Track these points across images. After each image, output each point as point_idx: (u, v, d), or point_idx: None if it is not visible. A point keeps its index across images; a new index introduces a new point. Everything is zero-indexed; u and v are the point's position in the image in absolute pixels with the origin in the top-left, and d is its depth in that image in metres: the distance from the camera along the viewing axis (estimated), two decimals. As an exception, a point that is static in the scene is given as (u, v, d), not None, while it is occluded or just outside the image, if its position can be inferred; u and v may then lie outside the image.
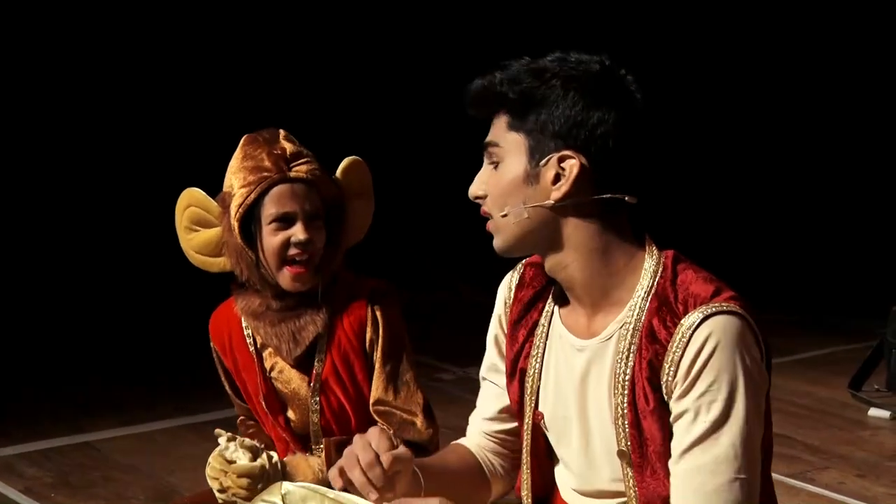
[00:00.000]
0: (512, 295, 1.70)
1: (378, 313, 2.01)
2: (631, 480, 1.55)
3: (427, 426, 2.02)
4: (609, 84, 1.51)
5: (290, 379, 2.05)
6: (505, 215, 1.53)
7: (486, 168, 1.57)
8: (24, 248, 5.62)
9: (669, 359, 1.48)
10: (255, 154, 1.98)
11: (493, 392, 1.76)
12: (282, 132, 2.02)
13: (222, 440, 1.92)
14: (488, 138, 1.56)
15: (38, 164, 5.82)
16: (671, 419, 1.50)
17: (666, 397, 1.50)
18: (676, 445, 1.49)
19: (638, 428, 1.52)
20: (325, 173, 1.99)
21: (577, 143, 1.49)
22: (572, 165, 1.49)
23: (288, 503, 1.76)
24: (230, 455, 1.90)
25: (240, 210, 1.96)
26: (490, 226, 1.57)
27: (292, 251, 1.96)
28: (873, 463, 3.50)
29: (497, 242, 1.57)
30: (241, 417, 2.23)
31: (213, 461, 1.92)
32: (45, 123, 5.83)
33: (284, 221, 1.96)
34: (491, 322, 1.75)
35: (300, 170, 1.96)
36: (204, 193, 2.03)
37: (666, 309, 1.50)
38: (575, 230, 1.53)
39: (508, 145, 1.53)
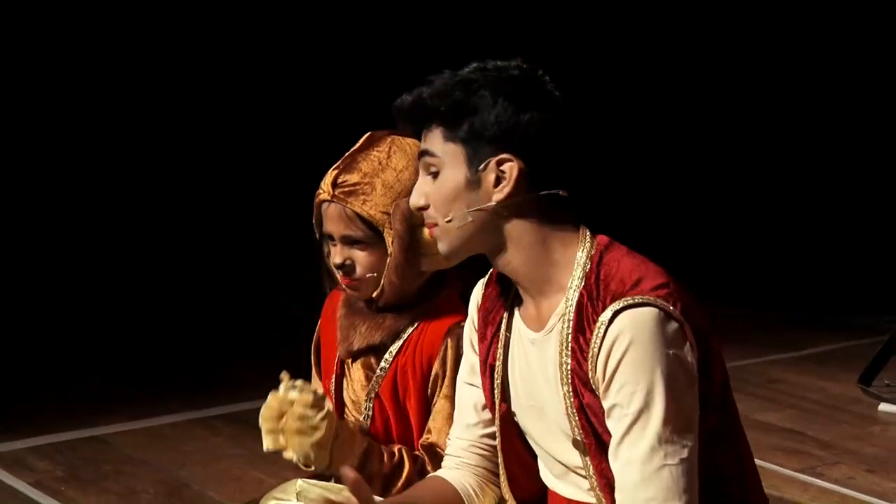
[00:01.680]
0: (481, 295, 1.77)
1: (449, 352, 1.97)
2: (589, 468, 1.61)
3: None
4: (532, 86, 1.59)
5: (355, 377, 2.07)
6: (449, 220, 1.60)
7: (424, 178, 1.64)
8: (33, 243, 5.63)
9: (591, 355, 1.54)
10: (334, 165, 2.01)
11: (475, 395, 1.79)
12: (386, 141, 2.01)
13: (285, 383, 1.85)
14: (424, 149, 1.62)
15: (48, 160, 5.83)
16: (606, 413, 1.55)
17: (595, 389, 1.56)
18: (611, 442, 1.54)
19: (585, 416, 1.58)
20: (384, 201, 1.95)
21: (513, 145, 1.57)
22: (511, 167, 1.57)
23: (302, 500, 1.76)
24: (294, 394, 1.84)
25: (314, 215, 2.04)
26: (434, 233, 1.64)
27: (334, 268, 2.01)
28: (883, 458, 3.50)
29: (443, 248, 1.64)
30: None
31: (271, 401, 1.85)
32: (53, 126, 5.84)
33: (331, 239, 2.00)
34: (466, 325, 1.81)
35: (342, 195, 1.96)
36: None
37: (590, 305, 1.56)
38: (515, 227, 1.60)
39: (446, 156, 1.59)
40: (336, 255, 1.98)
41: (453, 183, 1.59)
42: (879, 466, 3.42)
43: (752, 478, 1.71)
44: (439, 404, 1.98)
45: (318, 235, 2.06)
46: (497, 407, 1.71)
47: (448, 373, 1.97)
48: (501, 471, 1.75)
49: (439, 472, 1.83)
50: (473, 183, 1.58)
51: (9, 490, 3.16)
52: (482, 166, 1.57)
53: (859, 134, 6.84)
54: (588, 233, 1.63)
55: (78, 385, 4.11)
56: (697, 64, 6.91)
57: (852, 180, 6.77)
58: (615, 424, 1.53)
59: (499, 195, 1.58)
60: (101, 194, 5.97)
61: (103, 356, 4.48)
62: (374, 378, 2.03)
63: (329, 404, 1.88)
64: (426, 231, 1.93)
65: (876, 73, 6.75)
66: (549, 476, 1.73)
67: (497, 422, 1.72)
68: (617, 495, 1.54)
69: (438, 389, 1.99)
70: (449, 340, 1.97)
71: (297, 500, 1.83)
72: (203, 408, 3.87)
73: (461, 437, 1.81)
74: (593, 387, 1.55)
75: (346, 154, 2.02)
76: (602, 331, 1.52)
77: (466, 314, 1.97)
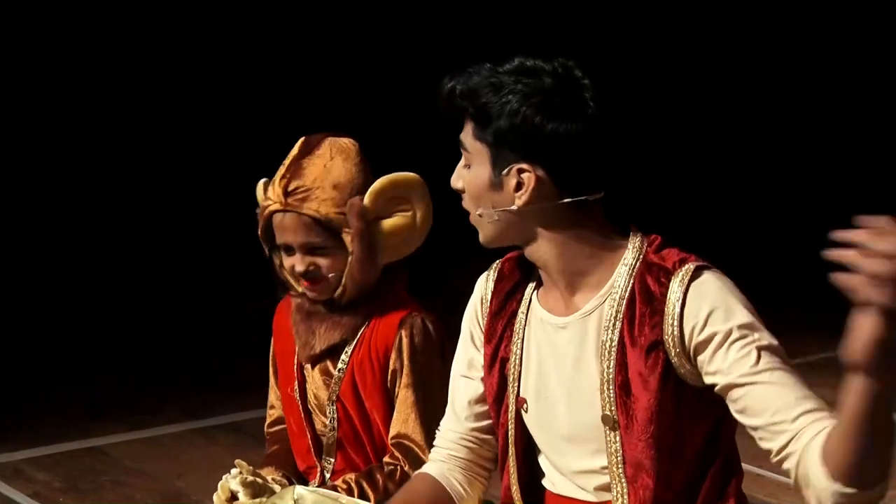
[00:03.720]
0: (490, 289, 1.77)
1: (405, 342, 2.00)
2: (615, 445, 1.62)
3: None
4: (564, 96, 1.59)
5: (315, 382, 2.08)
6: (480, 215, 1.64)
7: (462, 165, 1.66)
8: (31, 252, 5.63)
9: (669, 310, 1.56)
10: (279, 171, 2.01)
11: (471, 389, 1.79)
12: (325, 143, 2.02)
13: (233, 471, 1.94)
14: (461, 138, 1.65)
15: (44, 167, 5.83)
16: (702, 365, 1.56)
17: (672, 349, 1.56)
18: (730, 373, 1.55)
19: (626, 389, 1.59)
20: (336, 201, 1.97)
21: (533, 154, 1.58)
22: (529, 177, 1.59)
23: None
24: (233, 486, 1.93)
25: (260, 225, 2.04)
26: (471, 218, 1.67)
27: (296, 275, 2.01)
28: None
29: (481, 237, 1.67)
30: (269, 427, 2.24)
31: (220, 489, 1.95)
32: (57, 128, 5.85)
33: (288, 250, 2.01)
34: (466, 319, 1.80)
35: (296, 203, 1.97)
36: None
37: (656, 268, 1.59)
38: (544, 228, 1.62)
39: (475, 152, 1.62)
40: (298, 263, 1.99)
41: (480, 180, 1.62)
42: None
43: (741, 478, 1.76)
44: (401, 395, 2.00)
45: (266, 248, 2.07)
46: (513, 401, 1.71)
47: (406, 363, 2.00)
48: (512, 465, 1.74)
49: (426, 469, 1.83)
50: (496, 185, 1.60)
51: (8, 501, 3.17)
52: (504, 171, 1.59)
53: (854, 135, 6.85)
54: (639, 232, 1.65)
55: (76, 396, 4.11)
56: (704, 62, 6.92)
57: (854, 182, 6.77)
58: (734, 359, 1.54)
59: (519, 201, 1.60)
60: (100, 204, 5.97)
61: (101, 367, 4.47)
62: (334, 381, 2.03)
63: (263, 500, 1.91)
64: (383, 223, 2.00)
65: (884, 71, 6.76)
66: (552, 474, 1.73)
67: (511, 417, 1.71)
68: (776, 408, 1.58)
69: (399, 381, 2.00)
70: (402, 332, 2.00)
71: None
72: (201, 418, 3.87)
73: (452, 430, 1.82)
74: (670, 345, 1.56)
75: (287, 162, 2.02)
76: (686, 280, 1.56)
77: (416, 306, 2.02)
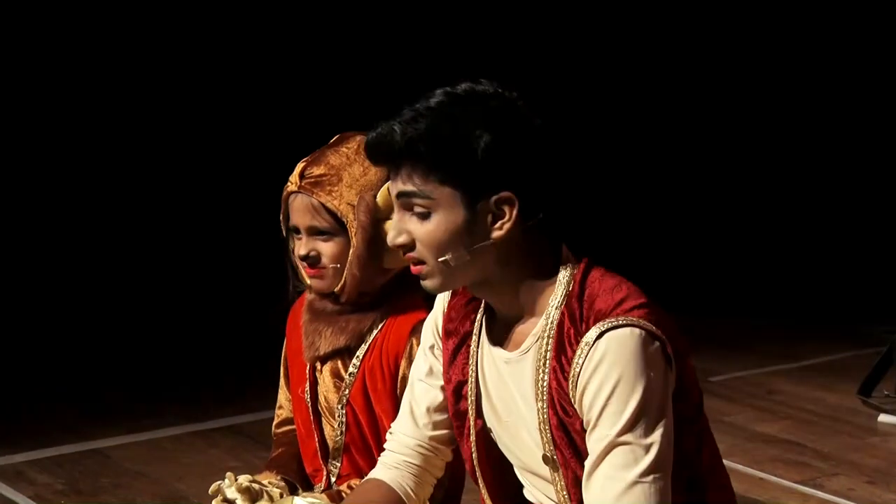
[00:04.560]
0: (446, 304, 1.75)
1: (415, 350, 1.98)
2: (560, 482, 1.62)
3: None
4: (515, 116, 1.56)
5: (325, 384, 2.07)
6: (444, 260, 1.57)
7: (404, 216, 1.58)
8: (33, 257, 5.63)
9: (573, 374, 1.54)
10: (302, 160, 2.04)
11: (430, 395, 1.79)
12: (356, 139, 2.03)
13: (227, 480, 1.95)
14: (406, 189, 1.56)
15: (50, 173, 5.82)
16: (586, 432, 1.56)
17: (577, 409, 1.56)
18: (590, 458, 1.55)
19: (564, 430, 1.58)
20: (345, 192, 1.98)
21: (508, 181, 1.54)
22: (511, 206, 1.55)
23: None
24: (230, 494, 1.94)
25: (281, 211, 2.05)
26: (422, 270, 1.60)
27: (298, 260, 2.02)
28: (884, 470, 3.49)
29: (433, 285, 1.61)
30: (277, 427, 2.24)
31: (211, 493, 1.95)
32: (61, 131, 5.84)
33: (297, 232, 2.02)
34: (426, 327, 1.80)
35: (308, 186, 1.98)
36: None
37: (571, 325, 1.56)
38: (506, 259, 1.59)
39: (440, 199, 1.55)
40: (301, 246, 2.00)
41: (451, 226, 1.55)
42: (879, 478, 3.42)
43: (726, 491, 1.72)
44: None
45: (284, 231, 2.08)
46: (473, 423, 1.71)
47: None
48: (480, 483, 1.76)
49: (376, 474, 1.82)
50: (471, 223, 1.55)
51: (9, 503, 3.16)
52: (480, 205, 1.55)
53: (859, 141, 6.85)
54: (569, 254, 1.63)
55: (77, 398, 4.11)
56: (690, 70, 6.92)
57: (852, 189, 6.77)
58: (595, 444, 1.53)
59: (498, 232, 1.56)
60: (99, 210, 5.97)
61: (102, 369, 4.48)
62: (344, 384, 2.03)
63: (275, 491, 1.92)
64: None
65: (878, 77, 6.76)
66: (528, 487, 1.74)
67: (473, 437, 1.72)
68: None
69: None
70: (413, 339, 1.99)
71: None
72: (201, 420, 3.87)
73: (408, 435, 1.81)
74: (574, 404, 1.56)
75: (315, 152, 2.05)
76: (586, 351, 1.53)
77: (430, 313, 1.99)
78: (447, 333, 1.73)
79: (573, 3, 6.66)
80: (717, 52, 6.89)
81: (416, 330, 1.99)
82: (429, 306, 2.03)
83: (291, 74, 6.24)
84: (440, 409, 1.78)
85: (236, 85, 6.14)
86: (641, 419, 1.50)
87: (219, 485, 1.97)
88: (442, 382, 1.77)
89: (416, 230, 1.57)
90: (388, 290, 2.03)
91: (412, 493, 1.80)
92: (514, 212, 1.55)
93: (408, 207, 1.58)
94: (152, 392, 4.20)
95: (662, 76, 6.89)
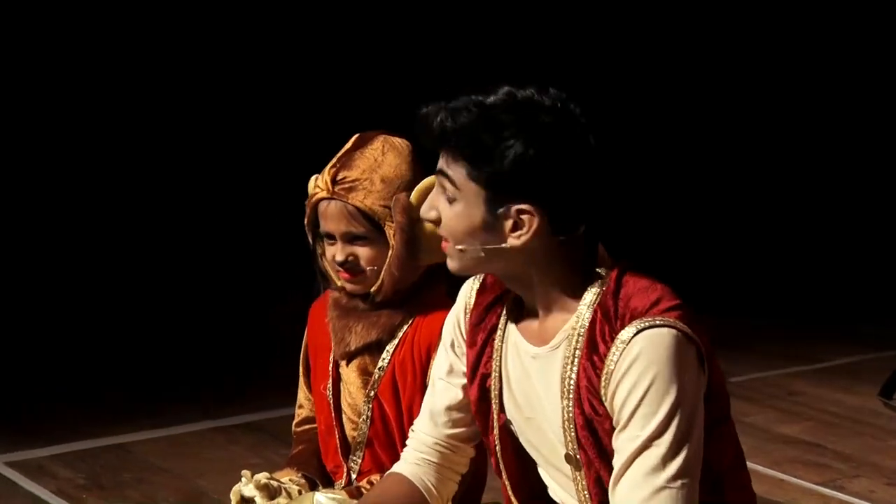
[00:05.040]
0: (473, 299, 1.74)
1: None
2: (581, 482, 1.61)
3: None
4: (564, 133, 1.53)
5: (350, 380, 2.08)
6: (461, 249, 1.58)
7: (438, 194, 1.60)
8: (55, 252, 5.67)
9: (605, 371, 1.53)
10: (330, 163, 2.03)
11: (450, 394, 1.78)
12: (378, 140, 2.03)
13: (244, 479, 1.96)
14: (444, 170, 1.57)
15: (60, 175, 5.85)
16: (615, 429, 1.54)
17: (607, 407, 1.55)
18: (617, 456, 1.53)
19: (590, 429, 1.57)
20: (382, 195, 1.98)
21: (534, 194, 1.53)
22: (532, 219, 1.54)
23: None
24: (248, 492, 1.95)
25: (306, 214, 2.06)
26: (445, 247, 1.61)
27: (335, 265, 2.02)
28: (905, 472, 3.48)
29: (452, 265, 1.62)
30: (297, 426, 2.25)
31: (232, 497, 1.96)
32: (62, 132, 5.86)
33: (330, 238, 2.02)
34: (447, 324, 1.79)
35: (342, 192, 1.98)
36: None
37: (606, 322, 1.55)
38: (529, 262, 1.58)
39: (466, 191, 1.55)
40: (338, 252, 2.00)
41: (468, 220, 1.56)
42: (900, 480, 3.41)
43: (746, 492, 1.71)
44: None
45: (310, 237, 2.08)
46: (496, 418, 1.71)
47: None
48: (504, 477, 1.75)
49: (399, 468, 1.82)
50: (490, 224, 1.55)
51: (31, 497, 3.19)
52: (501, 210, 1.54)
53: (876, 141, 6.82)
54: (605, 253, 1.62)
55: (100, 394, 4.14)
56: (694, 73, 6.89)
57: (876, 189, 6.74)
58: (625, 444, 1.52)
59: (515, 241, 1.55)
60: (120, 203, 6.00)
61: (125, 365, 4.50)
62: (373, 379, 2.04)
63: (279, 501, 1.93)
64: (427, 225, 1.96)
65: (879, 77, 6.73)
66: (552, 486, 1.73)
67: (496, 432, 1.72)
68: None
69: None
70: None
71: None
72: (223, 417, 3.89)
73: (427, 434, 1.81)
74: (604, 402, 1.55)
75: (340, 154, 2.04)
76: (621, 348, 1.52)
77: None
78: (474, 327, 1.73)
79: (585, 7, 6.65)
80: (719, 54, 6.87)
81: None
82: (453, 303, 2.04)
83: (291, 75, 6.25)
84: (459, 407, 1.78)
85: (240, 85, 6.16)
86: (673, 422, 1.49)
87: (239, 485, 1.98)
88: (462, 381, 1.77)
89: (443, 211, 1.59)
90: (419, 286, 2.03)
91: (433, 489, 1.80)
92: (535, 225, 1.54)
93: (442, 186, 1.59)
94: (174, 387, 4.22)
95: (663, 76, 6.87)
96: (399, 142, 2.04)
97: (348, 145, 2.06)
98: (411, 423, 2.02)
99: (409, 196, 1.99)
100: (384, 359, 2.03)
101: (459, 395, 1.78)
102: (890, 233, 6.43)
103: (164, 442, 3.65)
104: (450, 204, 1.57)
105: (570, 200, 1.55)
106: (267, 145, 6.14)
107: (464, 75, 6.92)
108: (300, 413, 2.25)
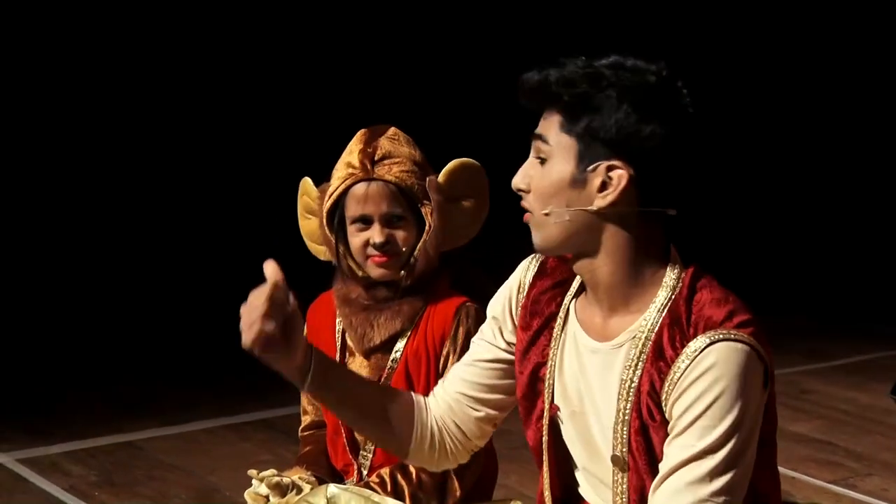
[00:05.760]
0: (529, 280, 1.70)
1: (460, 331, 1.99)
2: (622, 486, 1.57)
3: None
4: (664, 97, 1.51)
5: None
6: (547, 214, 1.54)
7: (531, 161, 1.57)
8: (64, 249, 5.68)
9: (671, 378, 1.49)
10: (353, 149, 2.02)
11: (483, 355, 1.73)
12: (391, 129, 2.04)
13: (255, 481, 1.96)
14: (538, 131, 1.55)
15: (70, 170, 5.87)
16: (669, 432, 1.51)
17: (666, 414, 1.51)
18: (666, 461, 1.50)
19: (644, 434, 1.53)
20: (416, 175, 1.99)
21: (627, 153, 1.49)
22: (621, 176, 1.50)
23: None
24: (261, 491, 1.95)
25: (328, 204, 2.03)
26: (529, 220, 1.57)
27: (371, 251, 2.00)
28: (917, 470, 3.47)
29: (536, 239, 1.57)
30: (303, 431, 2.24)
31: (248, 498, 1.97)
32: (72, 132, 5.88)
33: (364, 222, 2.00)
34: (497, 298, 1.74)
35: (382, 171, 1.98)
36: (311, 183, 2.10)
37: (677, 328, 1.51)
38: (612, 237, 1.53)
39: (558, 145, 1.52)
40: (377, 234, 1.98)
41: (558, 176, 1.52)
42: (913, 478, 3.39)
43: (777, 493, 1.70)
44: None
45: (332, 224, 2.04)
46: (546, 408, 1.67)
47: (458, 351, 1.99)
48: (545, 468, 1.71)
49: (417, 396, 1.76)
50: (578, 182, 1.51)
51: (43, 494, 3.20)
52: (591, 167, 1.50)
53: (884, 137, 6.79)
54: (678, 256, 1.58)
55: (111, 391, 4.15)
56: (701, 70, 6.88)
57: (886, 192, 6.72)
58: (677, 451, 1.49)
59: (601, 201, 1.51)
60: (133, 202, 6.01)
61: (136, 363, 4.51)
62: (387, 371, 2.03)
63: (291, 496, 1.93)
64: (452, 206, 2.00)
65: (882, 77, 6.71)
66: (583, 483, 1.71)
67: (545, 420, 1.67)
68: None
69: (448, 367, 1.98)
70: (460, 318, 2.00)
71: None
72: (234, 414, 3.90)
73: (452, 385, 1.74)
74: (663, 409, 1.51)
75: (361, 144, 2.01)
76: (693, 356, 1.47)
77: (467, 297, 2.01)
78: (531, 314, 1.68)
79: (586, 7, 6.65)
80: (725, 55, 6.85)
81: (459, 311, 2.00)
82: (460, 293, 2.04)
83: (291, 75, 6.26)
84: (493, 370, 1.73)
85: (244, 85, 6.17)
86: (732, 439, 1.46)
87: (253, 489, 1.98)
88: (498, 349, 1.73)
89: (534, 177, 1.55)
90: (433, 276, 2.03)
91: (428, 429, 1.73)
92: (622, 184, 1.49)
93: (535, 152, 1.55)
94: (186, 385, 4.23)
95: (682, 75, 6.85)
96: (406, 136, 2.06)
97: (362, 135, 2.04)
98: None
99: (437, 177, 2.00)
100: (397, 350, 2.03)
101: (493, 358, 1.73)
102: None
103: (175, 439, 3.66)
104: (542, 165, 1.54)
105: (661, 167, 1.51)
106: (275, 144, 6.15)
107: (464, 75, 6.93)
108: (305, 419, 2.24)
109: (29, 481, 3.29)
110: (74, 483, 3.27)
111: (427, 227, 1.99)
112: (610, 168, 1.50)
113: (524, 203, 1.57)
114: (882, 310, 5.47)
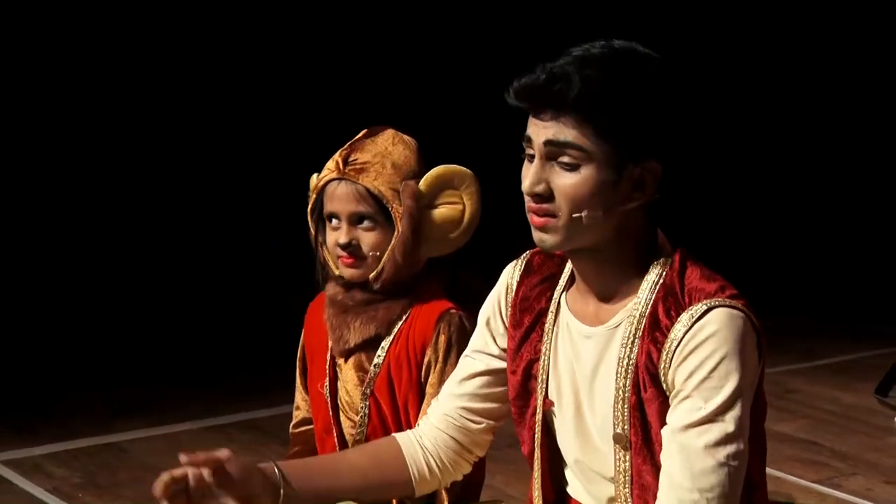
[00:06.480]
0: (517, 280, 1.71)
1: (441, 338, 1.99)
2: (624, 464, 1.58)
3: None
4: (675, 86, 1.53)
5: (347, 378, 2.07)
6: (577, 216, 1.53)
7: (547, 166, 1.54)
8: (49, 252, 5.66)
9: (668, 347, 1.51)
10: (339, 150, 2.04)
11: (476, 366, 1.75)
12: (388, 131, 2.04)
13: None
14: (564, 138, 1.51)
15: (69, 171, 5.85)
16: (671, 399, 1.52)
17: (663, 384, 1.53)
18: (674, 422, 1.51)
19: (641, 411, 1.55)
20: (393, 179, 1.98)
21: (660, 149, 1.53)
22: (655, 172, 1.53)
23: None
24: None
25: (310, 202, 2.05)
26: (549, 223, 1.54)
27: (338, 251, 2.01)
28: (901, 470, 3.48)
29: (553, 240, 1.55)
30: (294, 428, 2.24)
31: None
32: (74, 132, 5.86)
33: (336, 220, 2.01)
34: (487, 304, 1.76)
35: (352, 171, 1.98)
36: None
37: (672, 298, 1.53)
38: (626, 229, 1.56)
39: (596, 153, 1.50)
40: (342, 235, 1.99)
41: (597, 182, 1.51)
42: (897, 478, 3.41)
43: (765, 488, 1.71)
44: (431, 391, 1.98)
45: (313, 222, 2.06)
46: (539, 404, 1.67)
47: (440, 359, 1.98)
48: (536, 466, 1.71)
49: (399, 435, 1.79)
50: (616, 183, 1.52)
51: (26, 496, 3.18)
52: (629, 168, 1.52)
53: (883, 141, 6.82)
54: (665, 238, 1.60)
55: (95, 392, 4.13)
56: (716, 74, 6.90)
57: (874, 187, 6.74)
58: (684, 414, 1.49)
59: (631, 203, 1.53)
60: (120, 202, 5.99)
61: (120, 364, 4.50)
62: (369, 377, 2.03)
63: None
64: (434, 213, 1.98)
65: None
66: (572, 480, 1.71)
67: (539, 416, 1.68)
68: (664, 479, 1.51)
69: (431, 375, 1.99)
70: (441, 326, 1.99)
71: None
72: (218, 415, 3.89)
73: (446, 404, 1.77)
74: (660, 379, 1.52)
75: (351, 141, 2.04)
76: (690, 322, 1.49)
77: (454, 303, 2.00)
78: (521, 311, 1.69)
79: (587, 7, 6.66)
80: (725, 55, 6.87)
81: (442, 318, 1.99)
82: (450, 298, 2.03)
83: (291, 75, 6.25)
84: (484, 381, 1.75)
85: (247, 85, 6.16)
86: (738, 402, 1.48)
87: None
88: (492, 359, 1.74)
89: (559, 182, 1.52)
90: (418, 279, 2.03)
91: (431, 463, 1.76)
92: (656, 180, 1.53)
93: (553, 157, 1.53)
94: (169, 387, 4.22)
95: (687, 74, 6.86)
96: (407, 137, 2.06)
97: (359, 136, 2.07)
98: (407, 420, 2.01)
99: (417, 183, 1.99)
100: (379, 355, 2.03)
101: (487, 369, 1.75)
102: (890, 230, 6.43)
103: (159, 440, 3.65)
104: (569, 172, 1.52)
105: (680, 153, 1.53)
106: (274, 144, 6.14)
107: (463, 75, 6.94)
108: (297, 415, 2.24)
109: (12, 483, 3.27)
110: (58, 485, 3.26)
111: (395, 233, 1.99)
112: (647, 167, 1.52)
113: (541, 207, 1.54)
114: (866, 309, 5.50)
